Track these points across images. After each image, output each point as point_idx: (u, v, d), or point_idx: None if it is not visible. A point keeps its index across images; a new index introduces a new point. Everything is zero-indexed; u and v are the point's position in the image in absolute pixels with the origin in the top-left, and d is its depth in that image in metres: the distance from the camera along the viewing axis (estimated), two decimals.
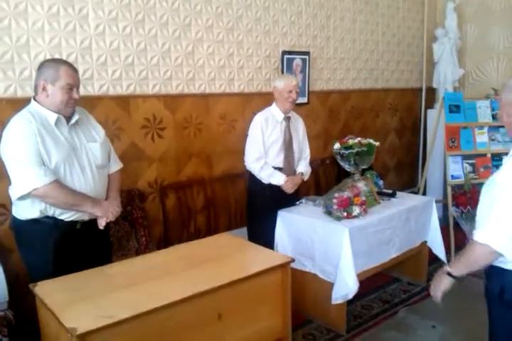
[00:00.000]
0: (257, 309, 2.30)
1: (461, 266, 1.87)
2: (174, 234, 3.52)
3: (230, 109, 3.85)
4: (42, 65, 2.25)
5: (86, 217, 2.31)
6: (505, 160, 1.80)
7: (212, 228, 3.73)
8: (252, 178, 3.32)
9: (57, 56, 2.94)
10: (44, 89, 2.21)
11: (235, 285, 2.16)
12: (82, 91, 3.03)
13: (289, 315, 2.43)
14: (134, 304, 1.91)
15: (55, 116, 2.22)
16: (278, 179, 3.22)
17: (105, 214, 2.32)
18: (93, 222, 2.35)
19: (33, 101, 2.26)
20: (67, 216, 2.26)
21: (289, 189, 3.24)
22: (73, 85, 2.23)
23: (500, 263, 1.77)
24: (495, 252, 1.69)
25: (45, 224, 2.24)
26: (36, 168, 2.12)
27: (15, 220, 2.32)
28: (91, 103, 3.10)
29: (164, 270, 2.26)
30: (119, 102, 3.24)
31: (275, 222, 3.19)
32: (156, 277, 2.17)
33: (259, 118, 3.28)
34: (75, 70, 2.27)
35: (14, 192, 2.20)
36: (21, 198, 2.19)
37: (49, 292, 2.03)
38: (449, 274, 1.88)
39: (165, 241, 3.44)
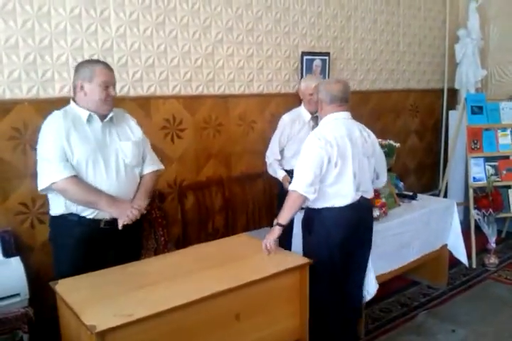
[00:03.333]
0: (275, 310, 2.30)
1: (285, 214, 2.48)
2: (192, 234, 3.54)
3: (249, 109, 3.86)
4: (78, 67, 2.32)
5: (107, 216, 2.30)
6: None
7: (230, 228, 3.73)
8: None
9: (79, 58, 2.98)
10: (82, 88, 2.26)
11: (253, 285, 2.16)
12: None
13: (307, 317, 2.43)
14: (153, 303, 1.93)
15: (86, 113, 2.27)
16: (279, 175, 3.36)
17: (120, 216, 2.29)
18: (117, 221, 2.32)
19: (71, 101, 2.33)
20: (87, 213, 2.28)
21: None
22: (109, 83, 2.29)
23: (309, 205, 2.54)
24: (302, 195, 2.40)
25: (70, 221, 2.28)
26: (57, 163, 2.17)
27: (50, 216, 2.40)
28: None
29: (183, 270, 2.27)
30: (139, 103, 3.27)
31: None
32: (175, 276, 2.19)
33: (284, 119, 3.42)
34: (109, 69, 2.33)
35: (38, 185, 2.25)
36: (44, 190, 2.25)
37: (69, 290, 2.06)
38: (279, 224, 2.49)
39: (183, 241, 3.46)
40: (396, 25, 5.01)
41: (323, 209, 2.53)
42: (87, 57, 3.01)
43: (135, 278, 2.18)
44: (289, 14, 4.03)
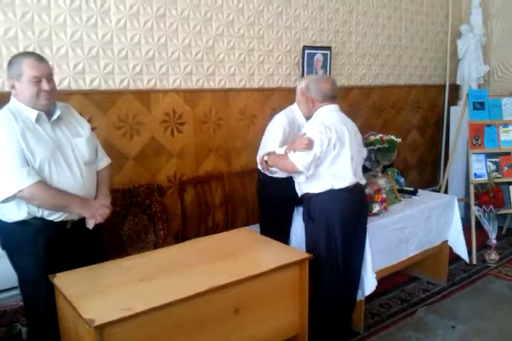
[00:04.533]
0: (275, 305, 2.29)
1: (274, 161, 2.67)
2: (192, 229, 3.53)
3: (250, 104, 3.84)
4: (8, 63, 2.14)
5: (76, 217, 2.23)
6: None
7: (230, 223, 3.73)
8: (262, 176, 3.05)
9: (78, 50, 2.97)
10: (13, 87, 2.11)
11: (253, 280, 2.16)
12: (103, 86, 3.09)
13: (306, 312, 2.42)
14: (152, 297, 1.92)
15: (35, 112, 2.12)
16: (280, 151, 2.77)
17: (94, 216, 2.23)
18: (83, 221, 2.25)
19: (12, 97, 2.16)
20: (56, 216, 2.17)
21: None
22: (40, 76, 2.09)
23: (306, 189, 2.66)
24: (296, 167, 2.52)
25: (34, 226, 2.15)
26: (19, 170, 2.03)
27: (1, 223, 2.18)
28: (111, 97, 3.13)
29: (182, 264, 2.26)
30: (139, 97, 3.25)
31: (289, 218, 3.10)
32: (174, 270, 2.18)
33: (282, 121, 2.94)
34: (40, 60, 2.12)
35: None
36: (6, 200, 2.08)
37: (67, 283, 2.05)
38: (265, 161, 2.71)
39: (183, 236, 3.46)
40: (398, 19, 4.98)
41: (323, 193, 2.59)
42: (86, 50, 3.00)
43: (134, 272, 2.17)
44: (291, 8, 4.00)
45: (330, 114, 2.64)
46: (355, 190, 2.66)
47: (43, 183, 2.09)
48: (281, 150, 2.70)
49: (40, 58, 2.14)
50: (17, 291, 2.36)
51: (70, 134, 2.23)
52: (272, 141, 2.92)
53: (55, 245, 2.18)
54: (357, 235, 2.70)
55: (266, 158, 2.72)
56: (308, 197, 2.66)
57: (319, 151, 2.50)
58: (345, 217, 2.60)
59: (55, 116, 2.19)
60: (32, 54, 2.18)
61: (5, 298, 2.41)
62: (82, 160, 2.24)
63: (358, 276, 2.79)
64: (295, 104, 3.05)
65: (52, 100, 2.18)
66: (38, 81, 2.09)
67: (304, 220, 2.74)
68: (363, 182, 2.76)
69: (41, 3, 2.82)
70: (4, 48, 2.73)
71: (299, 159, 2.51)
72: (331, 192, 2.58)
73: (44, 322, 2.23)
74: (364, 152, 2.91)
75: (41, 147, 2.10)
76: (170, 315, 1.92)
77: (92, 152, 2.32)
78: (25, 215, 2.13)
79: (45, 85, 2.10)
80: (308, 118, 2.93)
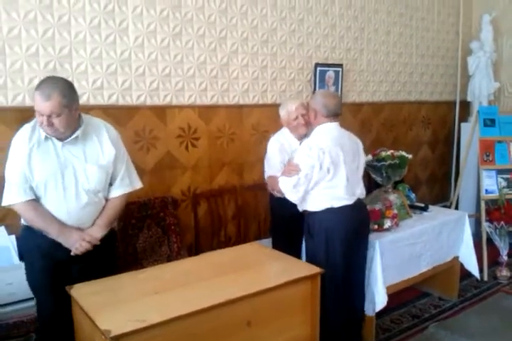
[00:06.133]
0: (287, 318, 2.30)
1: (271, 185, 2.86)
2: (205, 242, 3.57)
3: (263, 119, 3.90)
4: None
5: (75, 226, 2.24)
6: None
7: (242, 236, 3.76)
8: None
9: (97, 67, 3.05)
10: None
11: (265, 293, 2.17)
12: (121, 101, 3.17)
13: (318, 326, 2.43)
14: (166, 309, 1.94)
15: (43, 133, 2.13)
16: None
17: (70, 247, 2.18)
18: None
19: None
20: None
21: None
22: (42, 113, 2.04)
23: (306, 207, 2.69)
24: (284, 193, 2.62)
25: (36, 232, 2.19)
26: (17, 186, 2.11)
27: (21, 225, 2.31)
28: (129, 112, 3.22)
29: (195, 276, 2.29)
30: (156, 112, 3.33)
31: (300, 233, 3.08)
32: (187, 283, 2.20)
33: (275, 146, 2.99)
34: (45, 100, 2.02)
35: (2, 201, 2.18)
36: (7, 206, 2.18)
37: (84, 294, 2.08)
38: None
39: (196, 248, 3.49)
40: (409, 37, 5.05)
41: (323, 211, 2.62)
42: (105, 67, 3.09)
43: (148, 284, 2.20)
44: (303, 26, 4.08)
45: (328, 133, 2.65)
46: (356, 207, 2.67)
47: (33, 202, 2.13)
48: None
49: (46, 96, 2.02)
50: (34, 302, 2.41)
51: (82, 157, 2.18)
52: (271, 164, 2.99)
53: (55, 254, 2.19)
54: (358, 250, 2.72)
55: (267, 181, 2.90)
56: (308, 213, 2.70)
57: (304, 175, 2.54)
58: (345, 233, 2.61)
59: (69, 138, 2.14)
60: (43, 89, 2.04)
61: (22, 308, 2.45)
62: (84, 187, 2.18)
63: (362, 290, 2.80)
64: (286, 132, 3.03)
65: (59, 132, 2.11)
66: (41, 115, 2.06)
67: (304, 235, 2.78)
68: (362, 195, 2.76)
69: (62, 20, 2.91)
70: (26, 64, 2.82)
71: (283, 184, 2.61)
72: (331, 210, 2.61)
73: (49, 332, 2.26)
74: (363, 161, 2.83)
75: (43, 167, 2.12)
76: (184, 326, 1.94)
77: (103, 181, 2.24)
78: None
79: (45, 121, 2.05)
80: (300, 139, 2.95)
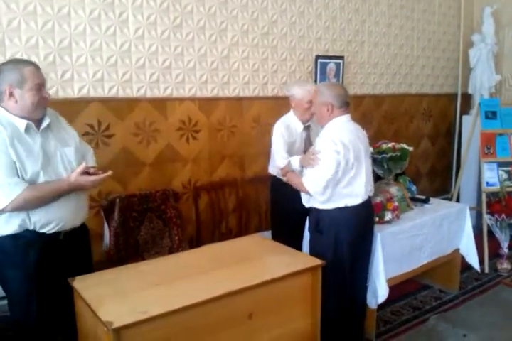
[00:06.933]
0: (287, 310, 2.31)
1: (291, 180, 2.68)
2: (206, 234, 3.57)
3: (263, 112, 3.89)
4: (2, 69, 2.05)
5: (68, 227, 2.19)
6: None
7: (243, 229, 3.77)
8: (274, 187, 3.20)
9: (97, 59, 3.04)
10: (11, 94, 2.03)
11: (266, 286, 2.18)
12: (121, 94, 3.17)
13: (319, 318, 2.44)
14: (167, 301, 1.95)
15: (24, 123, 2.05)
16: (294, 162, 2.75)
17: (86, 187, 2.19)
18: (74, 231, 2.23)
19: (0, 108, 2.07)
20: (49, 228, 2.12)
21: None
22: (41, 84, 2.09)
23: (315, 205, 2.60)
24: (309, 193, 2.53)
25: (26, 238, 2.09)
26: (8, 180, 1.98)
27: None
28: (129, 105, 3.21)
29: (197, 269, 2.29)
30: (156, 105, 3.32)
31: (301, 226, 3.05)
32: (189, 275, 2.21)
33: (279, 129, 3.03)
34: (38, 68, 2.11)
35: None
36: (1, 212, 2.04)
37: (86, 286, 2.09)
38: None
39: (197, 241, 3.50)
40: (410, 29, 5.02)
41: (334, 209, 2.56)
42: (105, 59, 3.07)
43: (150, 276, 2.21)
44: (304, 18, 4.06)
45: (345, 128, 2.55)
46: (366, 204, 2.63)
47: (29, 186, 2.02)
48: (295, 160, 2.69)
49: (38, 67, 2.12)
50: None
51: (58, 143, 2.18)
52: (277, 149, 3.02)
53: (46, 257, 2.14)
54: (364, 244, 2.71)
55: (283, 168, 2.79)
56: (317, 209, 2.61)
57: (332, 173, 2.43)
58: (354, 229, 2.59)
59: (44, 125, 2.13)
60: (31, 62, 2.14)
61: None
62: (71, 168, 2.18)
63: (364, 280, 2.81)
64: (291, 112, 3.12)
65: (46, 109, 2.17)
66: (39, 89, 2.07)
67: (309, 231, 2.73)
68: (372, 193, 2.72)
69: (62, 12, 2.90)
70: (25, 56, 2.80)
71: (311, 185, 2.49)
72: (344, 209, 2.55)
73: (32, 339, 2.19)
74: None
75: (32, 159, 2.05)
76: (185, 318, 1.95)
77: (81, 161, 2.24)
78: (15, 228, 2.07)
79: (45, 93, 2.11)
80: (305, 123, 3.06)
